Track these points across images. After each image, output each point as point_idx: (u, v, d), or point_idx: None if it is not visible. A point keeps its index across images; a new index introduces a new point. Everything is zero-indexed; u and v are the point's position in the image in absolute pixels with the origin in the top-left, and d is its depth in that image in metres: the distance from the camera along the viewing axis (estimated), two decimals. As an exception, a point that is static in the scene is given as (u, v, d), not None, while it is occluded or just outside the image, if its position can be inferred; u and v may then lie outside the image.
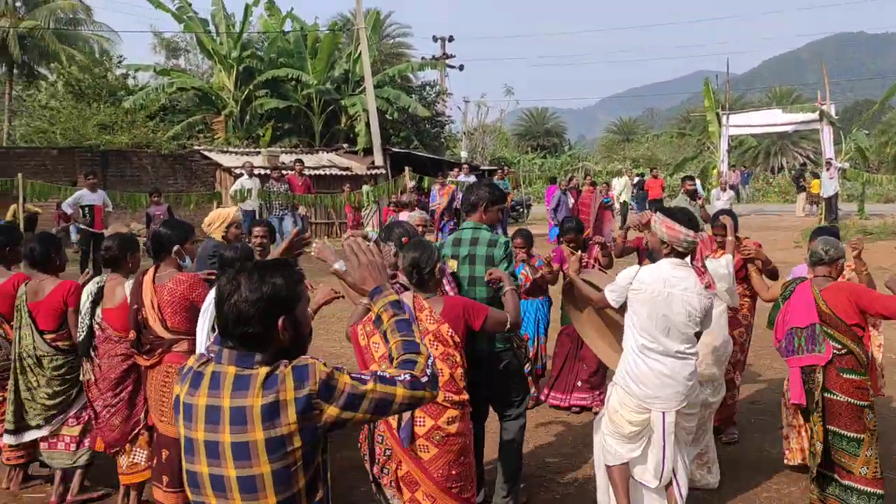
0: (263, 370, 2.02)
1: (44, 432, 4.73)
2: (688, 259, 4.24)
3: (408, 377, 2.07)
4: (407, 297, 3.77)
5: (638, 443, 4.11)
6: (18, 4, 31.46)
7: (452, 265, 4.32)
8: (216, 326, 2.17)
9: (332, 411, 2.02)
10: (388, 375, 2.07)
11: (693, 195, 10.50)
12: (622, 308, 4.20)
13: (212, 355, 2.12)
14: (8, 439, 4.77)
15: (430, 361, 2.14)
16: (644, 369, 4.00)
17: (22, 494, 5.00)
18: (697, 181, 11.93)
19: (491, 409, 4.65)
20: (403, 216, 9.14)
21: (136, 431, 4.47)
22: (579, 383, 6.35)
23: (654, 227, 4.17)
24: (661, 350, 3.98)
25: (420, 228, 5.71)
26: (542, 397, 6.52)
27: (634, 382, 4.03)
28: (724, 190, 21.21)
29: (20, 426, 4.73)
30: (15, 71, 31.85)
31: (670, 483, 4.16)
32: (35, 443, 4.81)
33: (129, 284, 4.44)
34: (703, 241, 4.12)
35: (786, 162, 49.31)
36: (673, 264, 4.07)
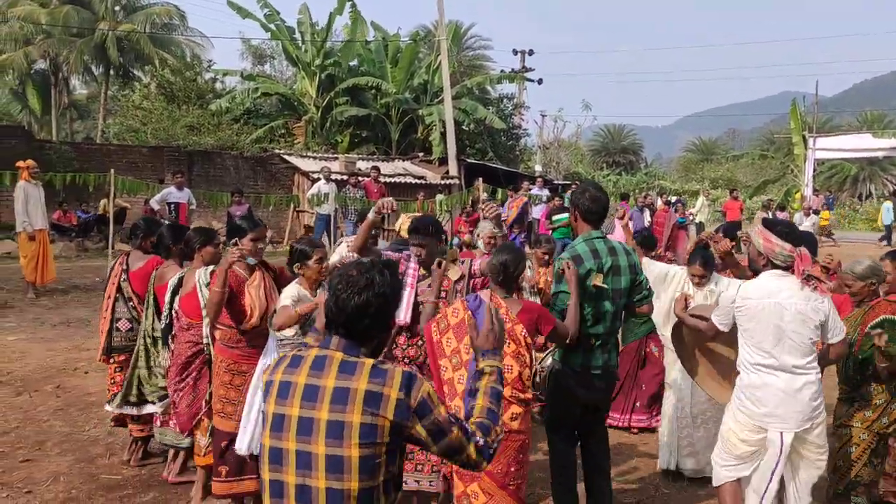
0: (369, 361, 2.17)
1: (157, 409, 5.08)
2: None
3: (481, 442, 2.20)
4: (485, 294, 3.95)
5: (749, 463, 4.00)
6: (117, 9, 33.06)
7: (599, 278, 4.12)
8: (328, 314, 2.25)
9: (419, 429, 2.14)
10: (469, 430, 2.20)
11: None
12: (731, 335, 4.12)
13: (303, 347, 2.28)
14: (129, 410, 5.17)
15: (499, 438, 2.28)
16: (759, 385, 3.90)
17: (123, 469, 5.28)
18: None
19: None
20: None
21: (198, 416, 4.68)
22: (637, 404, 6.35)
23: (753, 238, 4.11)
24: (777, 365, 3.86)
25: (490, 240, 5.74)
26: None
27: (751, 401, 3.93)
28: (808, 215, 20.62)
29: (140, 399, 5.14)
30: (111, 72, 33.50)
31: None
32: (152, 418, 5.17)
33: (200, 272, 4.68)
34: (802, 256, 3.97)
35: (874, 188, 47.32)
36: (774, 275, 3.96)
